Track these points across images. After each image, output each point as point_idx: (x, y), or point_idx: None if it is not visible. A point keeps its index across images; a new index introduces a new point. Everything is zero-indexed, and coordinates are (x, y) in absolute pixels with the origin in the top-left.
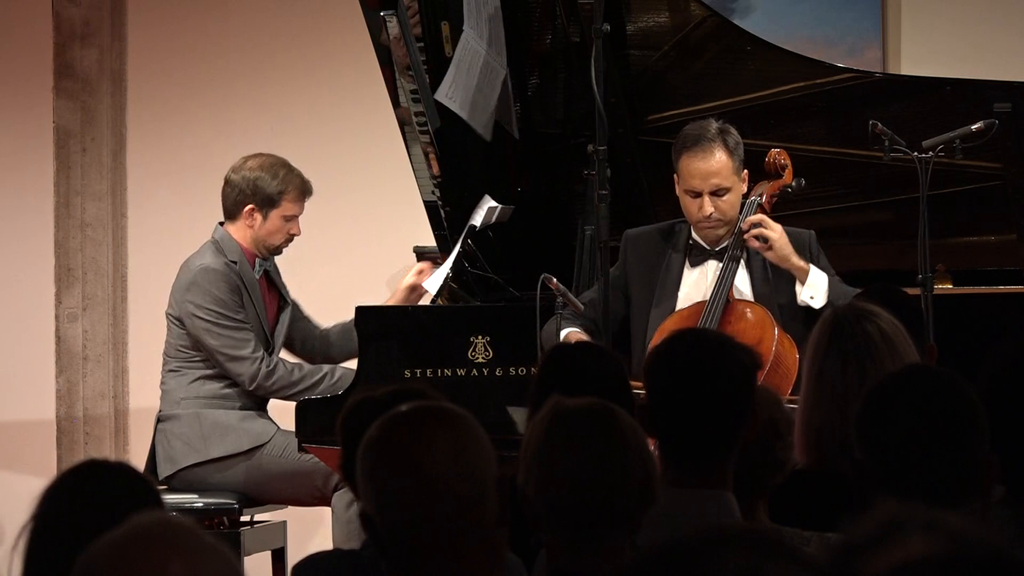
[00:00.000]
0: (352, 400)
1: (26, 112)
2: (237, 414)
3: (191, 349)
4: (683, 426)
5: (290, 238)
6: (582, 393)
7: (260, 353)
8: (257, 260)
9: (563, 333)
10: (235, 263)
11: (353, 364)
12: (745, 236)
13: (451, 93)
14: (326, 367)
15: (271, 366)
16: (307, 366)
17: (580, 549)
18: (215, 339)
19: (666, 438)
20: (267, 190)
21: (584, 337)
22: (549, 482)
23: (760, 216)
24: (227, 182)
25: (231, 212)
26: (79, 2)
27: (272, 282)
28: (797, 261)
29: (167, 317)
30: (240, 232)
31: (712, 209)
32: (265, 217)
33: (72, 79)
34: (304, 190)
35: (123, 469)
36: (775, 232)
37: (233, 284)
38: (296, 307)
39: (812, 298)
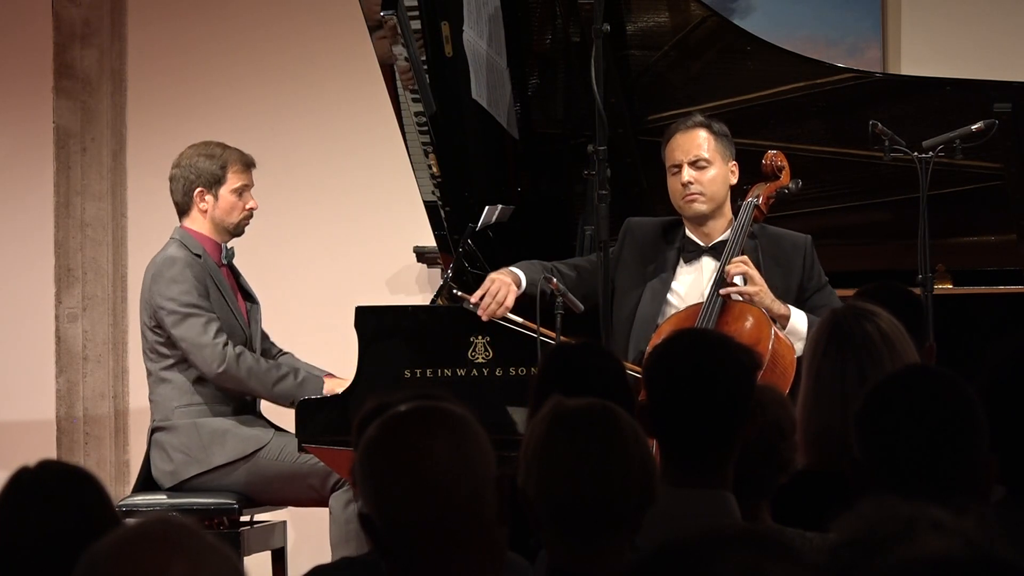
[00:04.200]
0: (370, 404)
1: (26, 112)
2: (234, 419)
3: (170, 348)
4: (683, 426)
5: (249, 214)
6: (582, 393)
7: (224, 338)
8: (222, 248)
9: (512, 267)
10: (199, 256)
11: (329, 368)
12: (725, 288)
13: (479, 91)
14: (290, 367)
15: (239, 351)
16: (271, 361)
17: (580, 549)
18: (178, 328)
19: (666, 438)
20: (209, 168)
21: (508, 274)
22: (549, 482)
23: (745, 268)
24: (171, 179)
25: (184, 205)
26: (79, 2)
27: (237, 281)
28: (778, 309)
29: (141, 325)
30: (197, 222)
31: (690, 179)
32: (216, 196)
33: (72, 79)
34: (245, 161)
35: (76, 472)
36: (757, 290)
37: (198, 273)
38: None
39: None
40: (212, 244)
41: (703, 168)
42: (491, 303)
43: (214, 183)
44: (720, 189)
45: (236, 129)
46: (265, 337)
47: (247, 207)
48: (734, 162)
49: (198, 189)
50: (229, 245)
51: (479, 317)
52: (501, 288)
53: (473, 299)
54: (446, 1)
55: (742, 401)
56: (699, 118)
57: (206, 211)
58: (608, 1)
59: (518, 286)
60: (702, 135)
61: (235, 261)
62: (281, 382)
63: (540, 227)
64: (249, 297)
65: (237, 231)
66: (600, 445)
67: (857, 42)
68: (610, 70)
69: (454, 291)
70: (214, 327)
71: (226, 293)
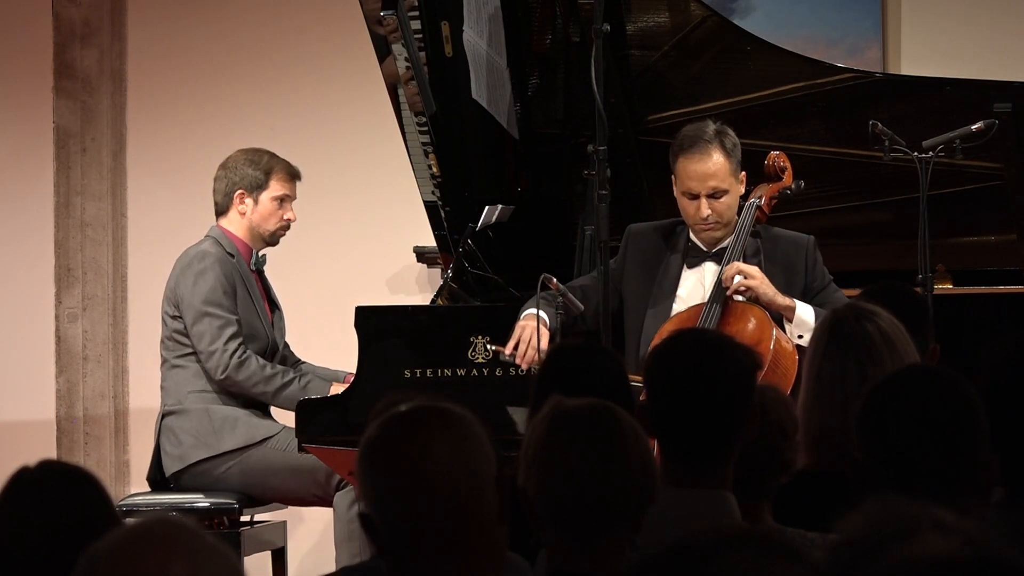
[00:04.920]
0: (382, 404)
1: (26, 112)
2: (244, 411)
3: (189, 336)
4: (683, 426)
5: (286, 225)
6: (582, 393)
7: (235, 345)
8: (253, 253)
9: (524, 313)
10: (232, 256)
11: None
12: (728, 292)
13: (479, 91)
14: (297, 372)
15: (243, 357)
16: (279, 366)
17: (580, 549)
18: (196, 324)
19: (666, 438)
20: (254, 173)
21: (533, 318)
22: (549, 482)
23: (737, 267)
24: (215, 179)
25: (223, 205)
26: (79, 2)
27: (264, 286)
28: (782, 301)
29: (163, 314)
30: (234, 224)
31: (709, 211)
32: (256, 201)
33: (72, 79)
34: (291, 172)
35: (76, 472)
36: (756, 280)
37: (229, 271)
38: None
39: (800, 337)
40: (245, 248)
41: (720, 198)
42: (527, 349)
43: (256, 187)
44: (733, 208)
45: (236, 129)
46: (285, 345)
47: (285, 217)
48: (743, 172)
49: (239, 191)
50: (261, 253)
51: (481, 320)
52: (534, 334)
53: (508, 350)
54: (446, 1)
55: (742, 401)
56: (710, 131)
57: (244, 213)
58: (608, 1)
59: (547, 327)
60: (717, 160)
61: None
62: (285, 388)
63: (540, 227)
64: (275, 305)
65: (272, 240)
66: (600, 445)
67: (857, 42)
68: (610, 70)
69: (488, 346)
70: (228, 332)
71: (254, 296)
